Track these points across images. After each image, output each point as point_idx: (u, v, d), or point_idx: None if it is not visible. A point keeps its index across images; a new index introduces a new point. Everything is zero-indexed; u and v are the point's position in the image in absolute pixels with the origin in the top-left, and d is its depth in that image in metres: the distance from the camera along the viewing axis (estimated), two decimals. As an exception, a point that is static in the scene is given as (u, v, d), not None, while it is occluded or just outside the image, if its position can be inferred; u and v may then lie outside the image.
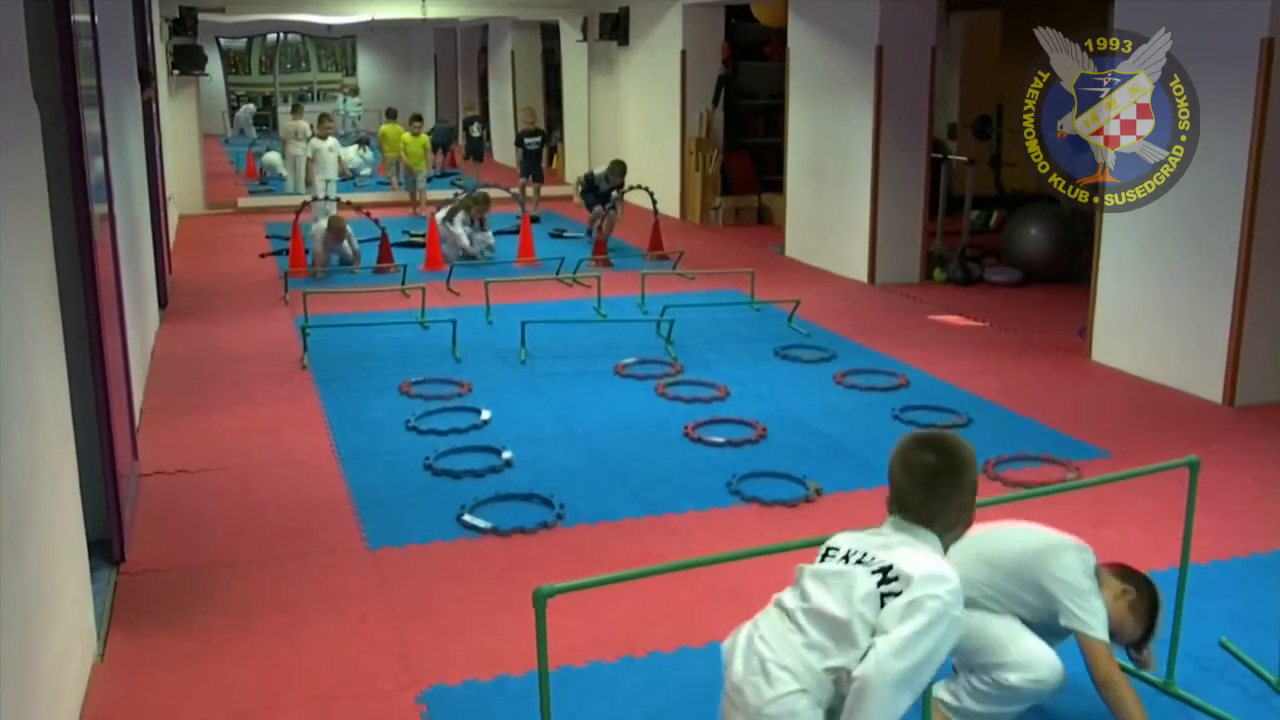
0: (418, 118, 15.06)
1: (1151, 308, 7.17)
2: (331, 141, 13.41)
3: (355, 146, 18.75)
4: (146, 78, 8.81)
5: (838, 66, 10.47)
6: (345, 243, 10.71)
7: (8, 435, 2.85)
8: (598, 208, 12.13)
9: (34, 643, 2.99)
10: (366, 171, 18.31)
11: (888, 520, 2.76)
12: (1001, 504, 4.30)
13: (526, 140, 14.23)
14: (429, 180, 14.95)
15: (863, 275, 10.25)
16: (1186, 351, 6.91)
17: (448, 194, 13.57)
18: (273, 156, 18.14)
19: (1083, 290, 8.01)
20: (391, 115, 17.52)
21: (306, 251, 10.70)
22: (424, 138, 14.28)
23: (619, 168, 12.30)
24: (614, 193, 12.02)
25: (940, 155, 10.55)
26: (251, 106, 27.09)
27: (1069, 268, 9.83)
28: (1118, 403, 6.76)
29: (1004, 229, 10.68)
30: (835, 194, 10.67)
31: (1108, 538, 4.76)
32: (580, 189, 12.81)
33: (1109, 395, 6.94)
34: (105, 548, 4.45)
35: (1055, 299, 9.36)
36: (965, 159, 10.91)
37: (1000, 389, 6.90)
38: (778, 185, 12.46)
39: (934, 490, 2.68)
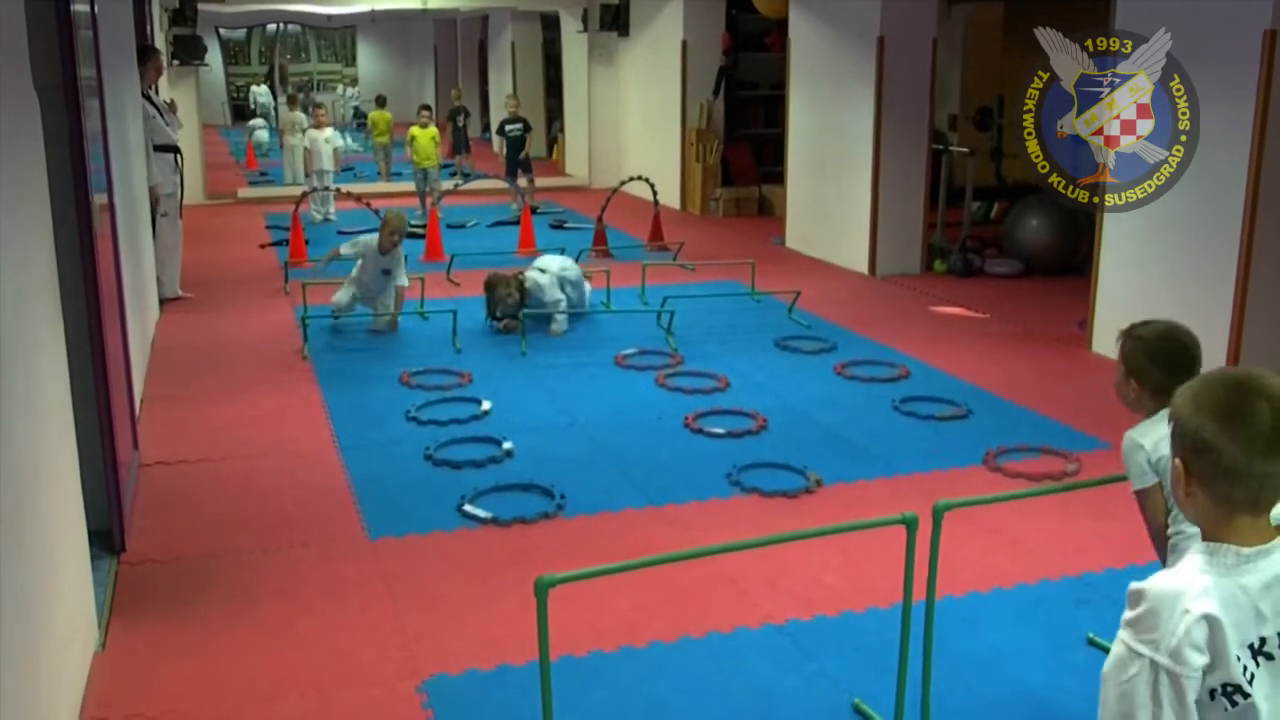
0: (426, 108, 14.23)
1: (1152, 299, 7.15)
2: (328, 132, 13.34)
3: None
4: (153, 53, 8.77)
5: (839, 57, 10.45)
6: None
7: (9, 426, 2.85)
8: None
9: (35, 632, 2.99)
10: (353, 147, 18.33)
11: None
12: (1007, 500, 4.31)
13: (508, 128, 13.97)
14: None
15: (863, 266, 10.24)
16: (1187, 343, 6.89)
17: (447, 184, 13.53)
18: (261, 135, 18.45)
19: (1083, 282, 8.00)
20: (381, 103, 17.40)
21: (307, 242, 10.68)
22: (432, 130, 13.31)
23: None
24: None
25: (941, 146, 10.54)
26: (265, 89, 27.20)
27: (1070, 259, 9.82)
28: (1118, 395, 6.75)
29: (1005, 220, 10.67)
30: (836, 185, 10.65)
31: (1109, 529, 4.77)
32: None
33: (1109, 387, 6.89)
34: (106, 538, 4.45)
35: (1056, 290, 9.35)
36: (966, 150, 10.89)
37: (1001, 380, 6.90)
38: (778, 176, 12.44)
39: None
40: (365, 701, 3.54)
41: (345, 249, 8.41)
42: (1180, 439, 1.71)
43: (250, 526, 4.84)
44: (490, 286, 8.14)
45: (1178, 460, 1.72)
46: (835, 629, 3.99)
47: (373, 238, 8.16)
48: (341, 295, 8.20)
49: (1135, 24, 6.00)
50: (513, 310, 8.02)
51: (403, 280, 8.21)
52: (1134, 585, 1.70)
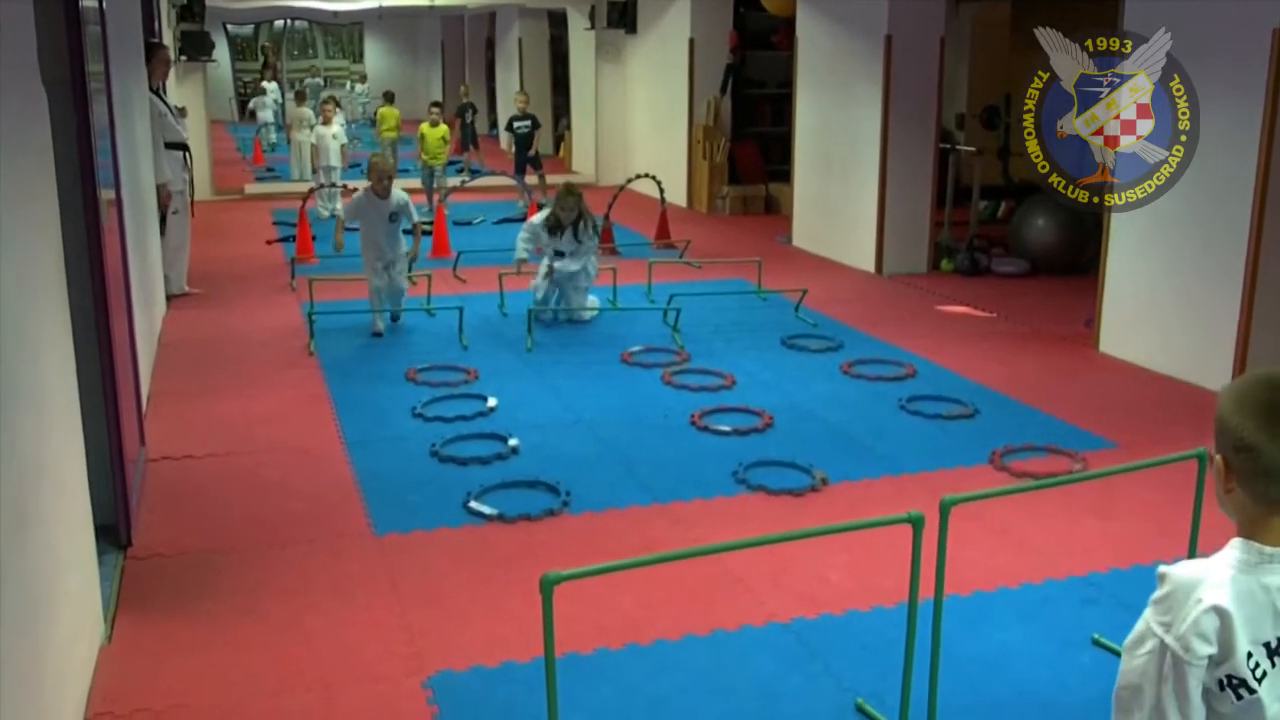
0: (436, 105, 14.12)
1: (1159, 299, 7.15)
2: (336, 128, 13.33)
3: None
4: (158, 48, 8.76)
5: (846, 56, 10.43)
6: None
7: (16, 421, 2.85)
8: None
9: (42, 626, 3.00)
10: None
11: None
12: (1009, 494, 4.31)
13: (516, 124, 13.92)
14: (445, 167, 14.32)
15: (870, 265, 10.23)
16: (1194, 342, 6.89)
17: (455, 180, 13.53)
18: (266, 114, 19.34)
19: (1090, 281, 7.99)
20: (389, 99, 17.42)
21: (313, 239, 10.69)
22: (443, 128, 13.29)
23: None
24: None
25: (948, 145, 10.53)
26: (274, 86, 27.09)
27: (1077, 258, 9.81)
28: (1125, 394, 6.75)
29: (1012, 219, 10.65)
30: (843, 184, 10.64)
31: (1115, 529, 4.76)
32: None
33: (1116, 386, 6.92)
34: (112, 532, 4.46)
35: (1063, 290, 9.34)
36: (973, 149, 10.88)
37: (1007, 379, 6.89)
38: (785, 175, 12.43)
39: None
40: (370, 697, 3.55)
41: (342, 211, 8.47)
42: (1222, 436, 1.74)
43: (256, 522, 4.85)
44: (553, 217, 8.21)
45: (1219, 457, 1.75)
46: (840, 628, 3.99)
47: (362, 193, 8.06)
48: (373, 278, 7.95)
49: (1142, 23, 5.99)
50: (573, 215, 8.09)
51: (414, 216, 8.13)
52: (1162, 568, 1.75)
